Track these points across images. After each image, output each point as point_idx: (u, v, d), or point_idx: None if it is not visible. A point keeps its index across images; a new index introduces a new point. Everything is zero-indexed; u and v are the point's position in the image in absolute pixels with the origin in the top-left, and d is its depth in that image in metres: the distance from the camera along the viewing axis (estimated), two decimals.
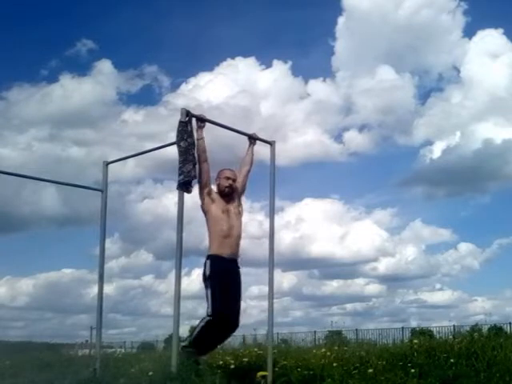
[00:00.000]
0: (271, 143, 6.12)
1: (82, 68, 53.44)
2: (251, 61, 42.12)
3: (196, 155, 5.38)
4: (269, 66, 44.60)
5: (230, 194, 5.60)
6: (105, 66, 40.88)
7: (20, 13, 41.79)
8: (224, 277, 5.35)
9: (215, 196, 5.52)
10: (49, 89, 41.76)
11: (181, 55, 47.63)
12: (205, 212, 5.50)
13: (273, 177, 6.01)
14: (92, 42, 41.27)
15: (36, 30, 44.18)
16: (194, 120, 5.48)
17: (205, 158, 5.41)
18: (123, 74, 50.71)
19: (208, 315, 5.32)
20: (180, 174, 5.26)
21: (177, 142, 5.34)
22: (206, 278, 5.38)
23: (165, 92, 43.85)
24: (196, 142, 5.42)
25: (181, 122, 5.34)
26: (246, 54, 46.09)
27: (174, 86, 44.98)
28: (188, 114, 5.38)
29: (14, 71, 45.56)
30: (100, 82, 40.51)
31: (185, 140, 5.28)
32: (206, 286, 5.37)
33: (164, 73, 46.27)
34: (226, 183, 5.58)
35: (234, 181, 5.65)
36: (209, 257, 5.41)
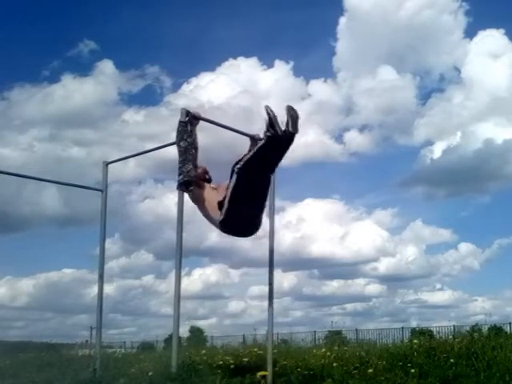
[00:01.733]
0: None
1: (83, 68, 53.25)
2: (253, 61, 42.06)
3: (195, 155, 5.38)
4: (271, 66, 44.48)
5: (210, 180, 5.53)
6: (106, 66, 40.73)
7: (22, 13, 41.69)
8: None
9: (201, 183, 5.48)
10: (50, 89, 41.54)
11: (183, 55, 47.49)
12: (196, 199, 5.37)
13: (273, 177, 6.00)
14: (94, 43, 41.12)
15: (38, 30, 44.10)
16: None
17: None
18: (125, 74, 50.67)
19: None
20: (180, 174, 5.26)
21: (177, 142, 5.33)
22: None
23: (166, 92, 43.68)
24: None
25: (180, 121, 5.34)
26: (248, 54, 45.95)
27: (176, 87, 44.89)
28: (188, 114, 5.37)
29: (16, 72, 45.38)
30: (101, 83, 40.36)
31: (184, 140, 5.28)
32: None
33: (166, 73, 46.07)
34: (201, 171, 5.48)
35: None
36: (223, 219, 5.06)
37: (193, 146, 5.33)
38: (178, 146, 5.30)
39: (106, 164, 6.76)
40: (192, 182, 5.31)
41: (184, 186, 5.30)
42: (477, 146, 36.84)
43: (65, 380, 6.00)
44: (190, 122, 5.36)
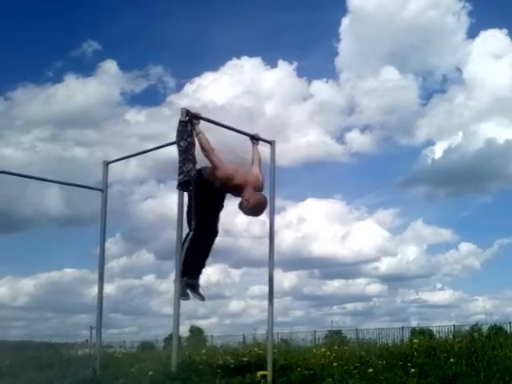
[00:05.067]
0: (271, 143, 6.11)
1: (86, 69, 53.34)
2: (257, 61, 42.04)
3: (195, 154, 5.37)
4: (274, 66, 44.54)
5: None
6: (110, 66, 40.66)
7: (25, 14, 41.70)
8: None
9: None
10: (53, 89, 41.56)
11: (186, 56, 47.37)
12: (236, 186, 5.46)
13: (273, 176, 6.00)
14: (97, 43, 41.13)
15: (41, 31, 44.05)
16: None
17: (211, 147, 5.38)
18: (128, 74, 50.77)
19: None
20: (180, 174, 5.26)
21: (177, 142, 5.33)
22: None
23: (169, 92, 43.67)
24: (196, 137, 5.39)
25: (181, 121, 5.34)
26: (252, 54, 45.80)
27: (179, 87, 44.89)
28: (188, 113, 5.37)
29: (19, 72, 45.41)
30: (104, 83, 40.32)
31: (185, 139, 5.28)
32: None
33: (169, 73, 45.98)
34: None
35: None
36: None
37: (193, 145, 5.33)
38: (178, 145, 5.30)
39: (107, 164, 6.76)
40: (191, 181, 5.32)
41: (184, 186, 5.30)
42: (478, 146, 36.95)
43: (65, 380, 5.99)
44: (190, 121, 5.36)
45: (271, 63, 50.31)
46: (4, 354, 9.56)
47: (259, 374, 5.34)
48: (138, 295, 37.26)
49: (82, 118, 39.23)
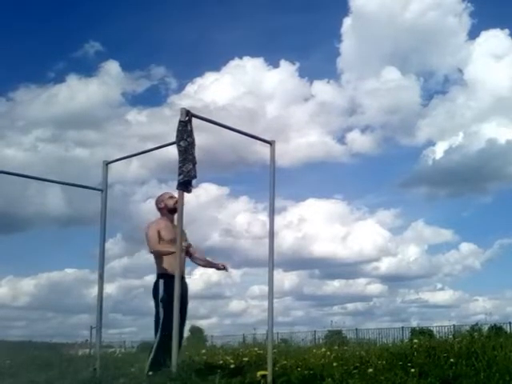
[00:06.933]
0: (271, 143, 6.11)
1: (88, 69, 53.61)
2: (259, 61, 42.15)
3: (195, 155, 5.38)
4: (276, 66, 44.73)
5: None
6: (112, 67, 40.81)
7: (27, 14, 41.86)
8: None
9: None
10: (55, 90, 41.69)
11: (188, 56, 47.57)
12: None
13: (273, 177, 6.00)
14: (99, 44, 41.28)
15: (43, 31, 44.33)
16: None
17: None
18: (130, 75, 50.95)
19: None
20: (180, 174, 5.26)
21: (176, 142, 5.33)
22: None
23: (171, 93, 43.81)
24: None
25: (180, 121, 5.34)
26: (254, 54, 45.96)
27: (181, 87, 45.07)
28: (188, 113, 5.37)
29: (21, 72, 45.77)
30: (106, 83, 40.46)
31: (184, 139, 5.28)
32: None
33: (171, 73, 46.07)
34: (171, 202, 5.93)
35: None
36: None
37: (193, 145, 5.34)
38: (178, 145, 5.31)
39: (106, 164, 6.75)
40: (192, 181, 5.33)
41: (184, 186, 5.31)
42: (479, 147, 37.03)
43: (65, 380, 5.98)
44: (190, 121, 5.36)
45: (273, 63, 50.50)
46: (4, 353, 9.56)
47: (259, 373, 5.33)
48: (138, 295, 37.29)
49: (84, 119, 39.40)
